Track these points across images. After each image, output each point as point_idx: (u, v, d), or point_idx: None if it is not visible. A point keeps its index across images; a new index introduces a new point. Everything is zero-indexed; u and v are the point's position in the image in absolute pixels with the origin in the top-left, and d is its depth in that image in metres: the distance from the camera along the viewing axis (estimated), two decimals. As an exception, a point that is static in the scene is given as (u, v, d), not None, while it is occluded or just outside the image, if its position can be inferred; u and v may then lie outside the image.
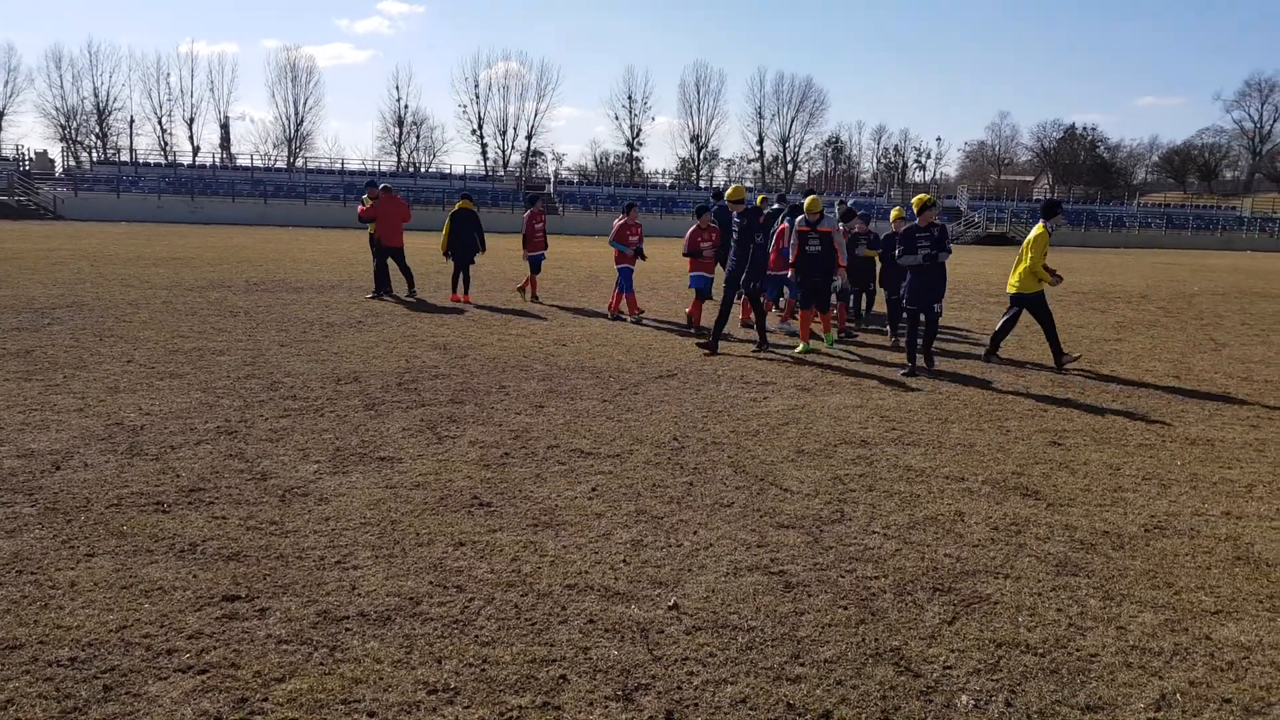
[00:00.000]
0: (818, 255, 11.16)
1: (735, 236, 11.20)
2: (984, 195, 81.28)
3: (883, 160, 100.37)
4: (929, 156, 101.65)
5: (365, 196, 16.24)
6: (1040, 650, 3.71)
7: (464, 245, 15.79)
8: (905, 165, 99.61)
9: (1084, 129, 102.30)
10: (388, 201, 15.68)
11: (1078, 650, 3.72)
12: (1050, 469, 6.37)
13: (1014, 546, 4.86)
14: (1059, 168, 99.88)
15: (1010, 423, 7.76)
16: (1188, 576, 4.54)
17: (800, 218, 11.15)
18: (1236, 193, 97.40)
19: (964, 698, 3.35)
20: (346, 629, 3.74)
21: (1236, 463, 6.74)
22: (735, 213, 12.40)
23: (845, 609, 4.05)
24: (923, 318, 10.26)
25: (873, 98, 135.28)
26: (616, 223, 14.30)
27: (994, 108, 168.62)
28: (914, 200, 10.47)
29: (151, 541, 4.57)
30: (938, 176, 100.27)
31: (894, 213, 12.86)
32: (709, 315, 13.64)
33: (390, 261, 15.94)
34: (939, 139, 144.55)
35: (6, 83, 74.13)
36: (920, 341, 10.28)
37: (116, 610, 3.81)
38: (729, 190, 11.01)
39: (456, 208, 16.10)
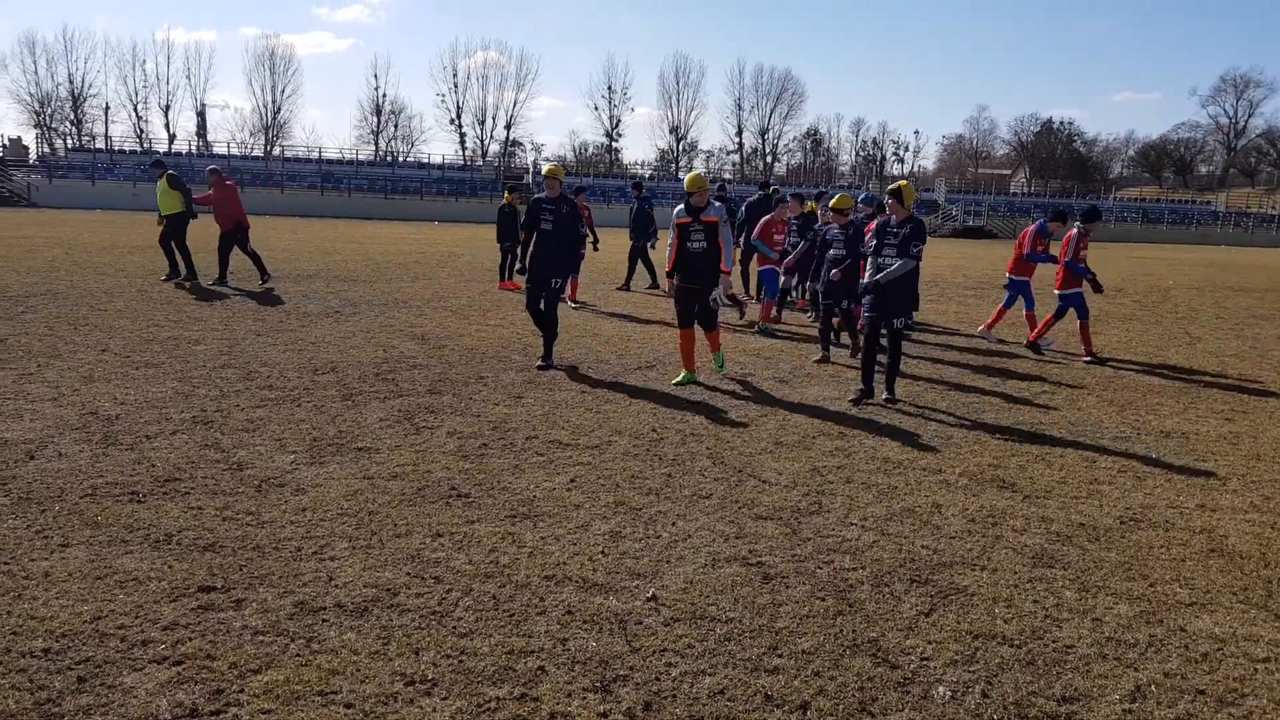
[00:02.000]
0: (701, 254, 8.50)
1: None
2: (962, 188, 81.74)
3: (861, 153, 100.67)
4: (907, 149, 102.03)
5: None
6: (1016, 642, 3.74)
7: (510, 235, 16.67)
8: (884, 158, 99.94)
9: (1061, 123, 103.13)
10: (220, 186, 15.38)
11: (1054, 642, 3.76)
12: (1026, 461, 6.42)
13: (990, 539, 4.90)
14: (1036, 161, 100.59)
15: (987, 414, 7.82)
16: (1163, 569, 4.60)
17: (679, 207, 8.54)
18: (1211, 187, 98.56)
19: (941, 689, 3.37)
20: (323, 620, 3.72)
21: (1211, 455, 6.83)
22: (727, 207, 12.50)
23: (823, 600, 4.07)
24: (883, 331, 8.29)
25: (851, 90, 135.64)
26: (1069, 234, 11.49)
27: (972, 101, 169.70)
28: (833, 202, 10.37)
29: (126, 532, 4.52)
30: (915, 169, 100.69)
31: (810, 205, 13.03)
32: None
33: (243, 248, 15.37)
34: (917, 132, 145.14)
35: (-20, 68, 72.89)
36: (873, 377, 8.23)
37: (91, 601, 3.77)
38: (687, 178, 8.50)
39: (505, 201, 16.93)
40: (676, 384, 8.59)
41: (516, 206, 16.58)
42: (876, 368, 8.31)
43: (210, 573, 4.09)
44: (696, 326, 8.77)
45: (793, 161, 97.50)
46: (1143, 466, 6.43)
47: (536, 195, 9.28)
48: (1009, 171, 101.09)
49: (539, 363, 9.22)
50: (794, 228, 13.20)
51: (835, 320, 10.51)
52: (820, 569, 4.41)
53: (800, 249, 12.67)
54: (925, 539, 4.85)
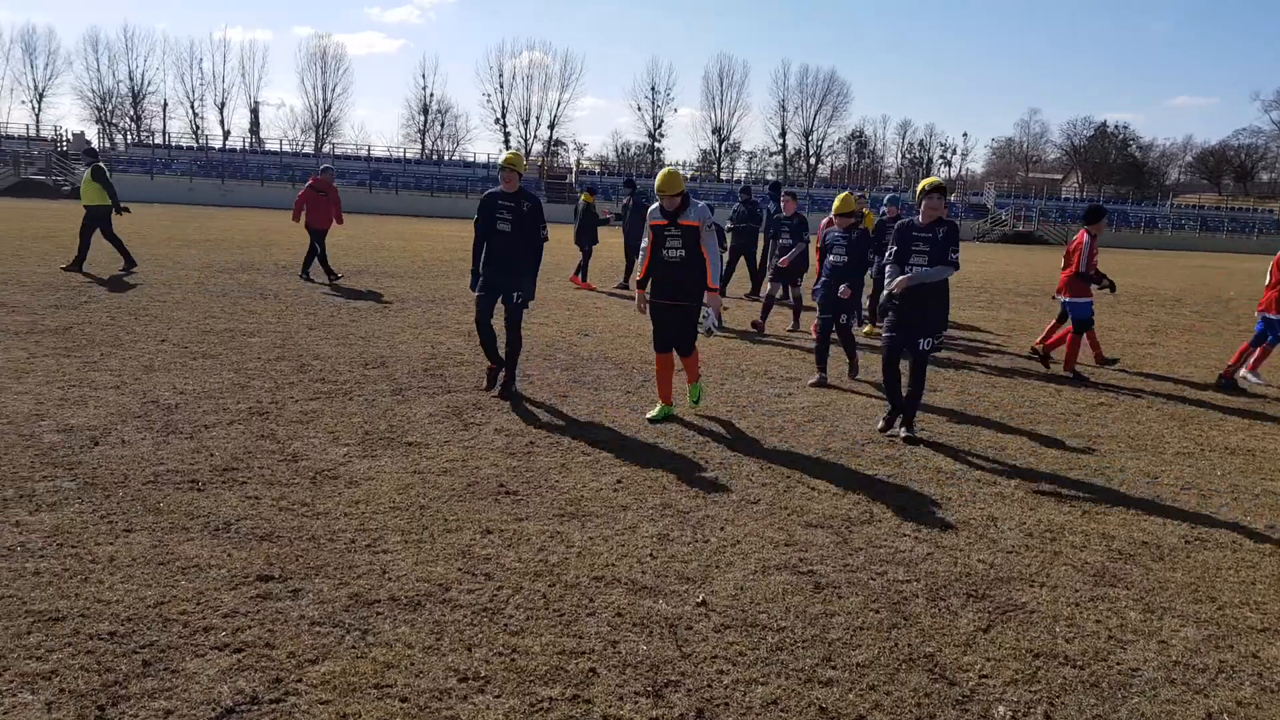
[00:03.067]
0: (679, 265, 6.99)
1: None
2: (1011, 193, 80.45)
3: (907, 155, 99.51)
4: (954, 152, 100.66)
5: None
6: (1079, 662, 3.66)
7: (588, 235, 17.04)
8: (930, 160, 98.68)
9: (1115, 127, 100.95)
10: (325, 187, 15.50)
11: (1118, 664, 3.67)
12: (1085, 475, 6.29)
13: (1049, 554, 4.80)
14: (1089, 166, 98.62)
15: (1043, 427, 7.67)
16: (1231, 591, 4.47)
17: (654, 206, 7.14)
18: (1274, 195, 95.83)
19: (1000, 708, 3.31)
20: (378, 613, 3.75)
21: (1278, 474, 6.63)
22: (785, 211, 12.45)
23: (877, 612, 4.02)
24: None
25: (898, 92, 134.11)
26: (1079, 238, 10.28)
27: (1023, 104, 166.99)
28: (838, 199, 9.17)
29: (187, 519, 4.61)
30: (964, 172, 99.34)
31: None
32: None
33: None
34: (965, 134, 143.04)
35: (46, 65, 74.99)
36: (902, 396, 7.06)
37: (154, 586, 3.85)
38: (659, 176, 6.98)
39: (581, 201, 17.36)
40: (652, 419, 7.13)
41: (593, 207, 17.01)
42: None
43: (268, 562, 4.16)
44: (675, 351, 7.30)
45: (837, 163, 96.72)
46: (1207, 484, 6.26)
47: (490, 190, 7.70)
48: (1060, 176, 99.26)
49: (493, 386, 7.86)
50: (786, 229, 12.54)
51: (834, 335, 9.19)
52: (873, 580, 4.35)
53: (794, 252, 12.18)
54: (981, 552, 4.77)
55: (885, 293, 6.93)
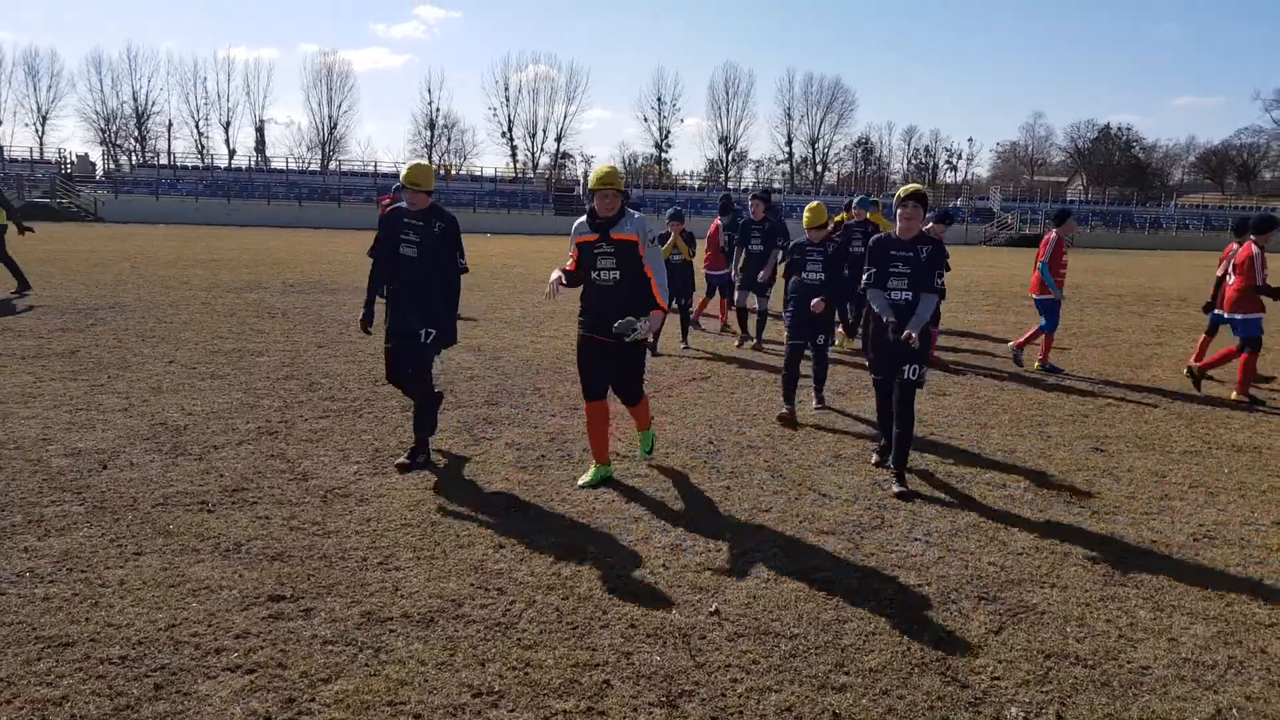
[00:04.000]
0: (611, 290, 5.66)
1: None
2: (1017, 196, 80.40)
3: (913, 161, 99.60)
4: (960, 157, 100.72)
5: None
6: (1090, 662, 3.65)
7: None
8: (936, 166, 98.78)
9: (1119, 129, 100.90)
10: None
11: (1129, 662, 3.66)
12: (1094, 476, 6.27)
13: (1059, 555, 4.79)
14: (1093, 168, 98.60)
15: (1050, 428, 7.66)
16: (1239, 588, 4.45)
17: (579, 221, 5.77)
18: (1276, 193, 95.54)
19: (1013, 709, 3.30)
20: (390, 630, 3.76)
21: (1286, 471, 6.60)
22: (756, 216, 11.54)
23: (889, 617, 4.01)
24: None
25: (903, 98, 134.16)
26: (1048, 237, 10.79)
27: (1027, 108, 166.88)
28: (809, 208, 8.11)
29: (197, 541, 4.63)
30: (969, 177, 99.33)
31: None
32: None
33: None
34: (970, 139, 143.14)
35: (49, 87, 75.46)
36: (890, 440, 6.02)
37: (165, 609, 3.86)
38: (594, 173, 5.67)
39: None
40: (585, 485, 5.75)
41: None
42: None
43: (279, 582, 4.17)
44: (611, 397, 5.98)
45: (843, 170, 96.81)
46: (1214, 482, 6.24)
47: (396, 205, 6.30)
48: (1065, 179, 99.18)
49: (401, 458, 6.10)
50: (757, 234, 11.58)
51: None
52: (884, 585, 4.34)
53: (770, 263, 11.25)
54: (992, 555, 4.76)
55: (889, 332, 5.80)
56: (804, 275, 7.95)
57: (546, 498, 5.50)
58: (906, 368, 5.73)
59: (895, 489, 5.74)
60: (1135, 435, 7.51)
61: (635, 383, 5.92)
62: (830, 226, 8.57)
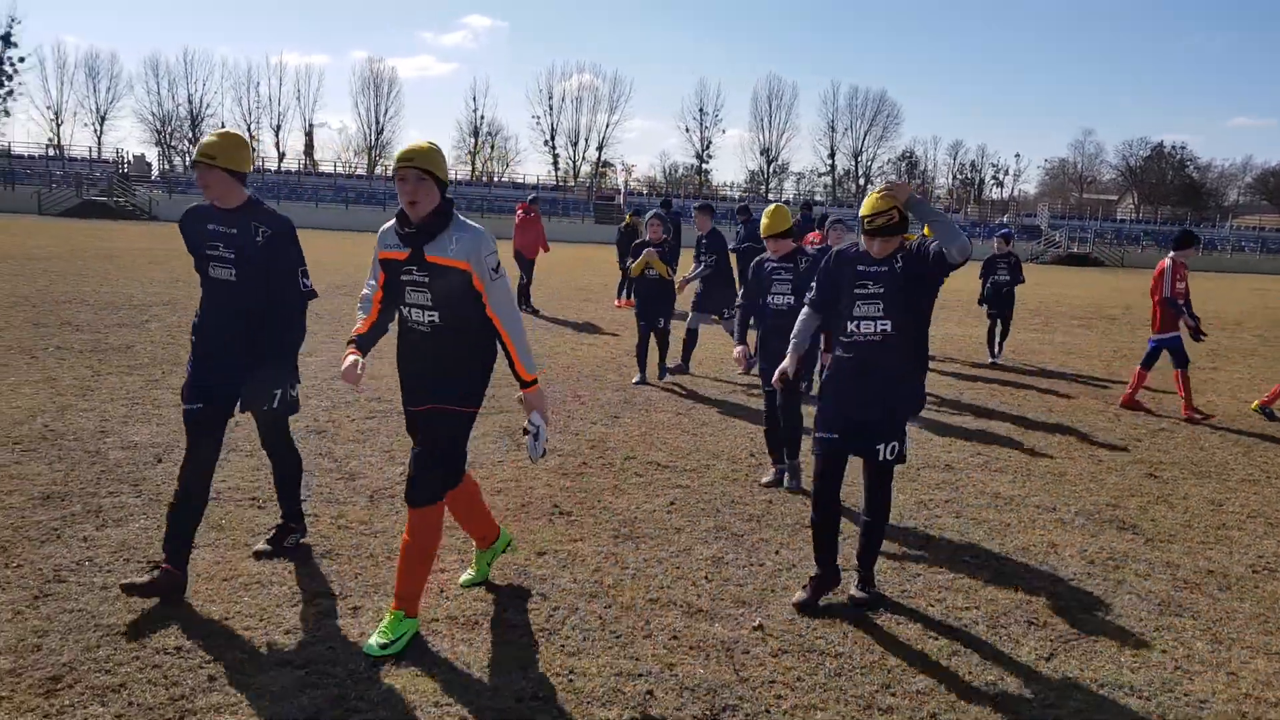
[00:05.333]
0: (429, 341, 3.88)
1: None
2: (1065, 214, 79.20)
3: (958, 176, 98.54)
4: (1006, 173, 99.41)
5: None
6: (1145, 693, 3.57)
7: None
8: (982, 182, 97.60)
9: (1172, 148, 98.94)
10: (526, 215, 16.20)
11: (1185, 695, 3.57)
12: (1147, 502, 6.14)
13: (1112, 583, 4.69)
14: (1145, 187, 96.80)
15: (1102, 452, 7.52)
16: (1300, 622, 4.33)
17: (386, 226, 3.98)
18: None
19: (1064, 737, 3.24)
20: (436, 632, 3.79)
21: (1347, 504, 6.42)
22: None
23: (936, 639, 3.96)
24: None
25: (949, 113, 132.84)
26: (1162, 265, 9.21)
27: (1077, 124, 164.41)
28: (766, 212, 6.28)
29: (249, 536, 4.70)
30: (1016, 193, 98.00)
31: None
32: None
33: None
34: (1018, 155, 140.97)
35: (108, 89, 77.23)
36: (836, 552, 4.37)
37: (218, 602, 3.93)
38: (401, 151, 3.81)
39: (626, 222, 17.22)
40: (465, 584, 4.29)
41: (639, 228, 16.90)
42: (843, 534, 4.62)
43: (328, 580, 4.22)
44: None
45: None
46: (1274, 512, 6.08)
47: (194, 205, 4.28)
48: (1115, 197, 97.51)
49: (260, 544, 4.53)
50: (702, 246, 10.29)
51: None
52: (932, 607, 4.29)
53: (693, 272, 10.28)
54: (1042, 580, 4.68)
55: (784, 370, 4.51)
56: (770, 299, 6.12)
57: (588, 505, 5.51)
58: (883, 446, 4.07)
59: (856, 592, 4.27)
60: (1190, 462, 7.34)
61: (431, 473, 3.74)
62: (808, 236, 7.94)
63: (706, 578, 4.50)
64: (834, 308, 4.31)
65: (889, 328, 4.06)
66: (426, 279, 3.74)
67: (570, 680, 3.46)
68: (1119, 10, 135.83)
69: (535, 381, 3.90)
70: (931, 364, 11.35)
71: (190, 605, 3.88)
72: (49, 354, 9.20)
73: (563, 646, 3.73)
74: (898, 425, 4.12)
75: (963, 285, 13.14)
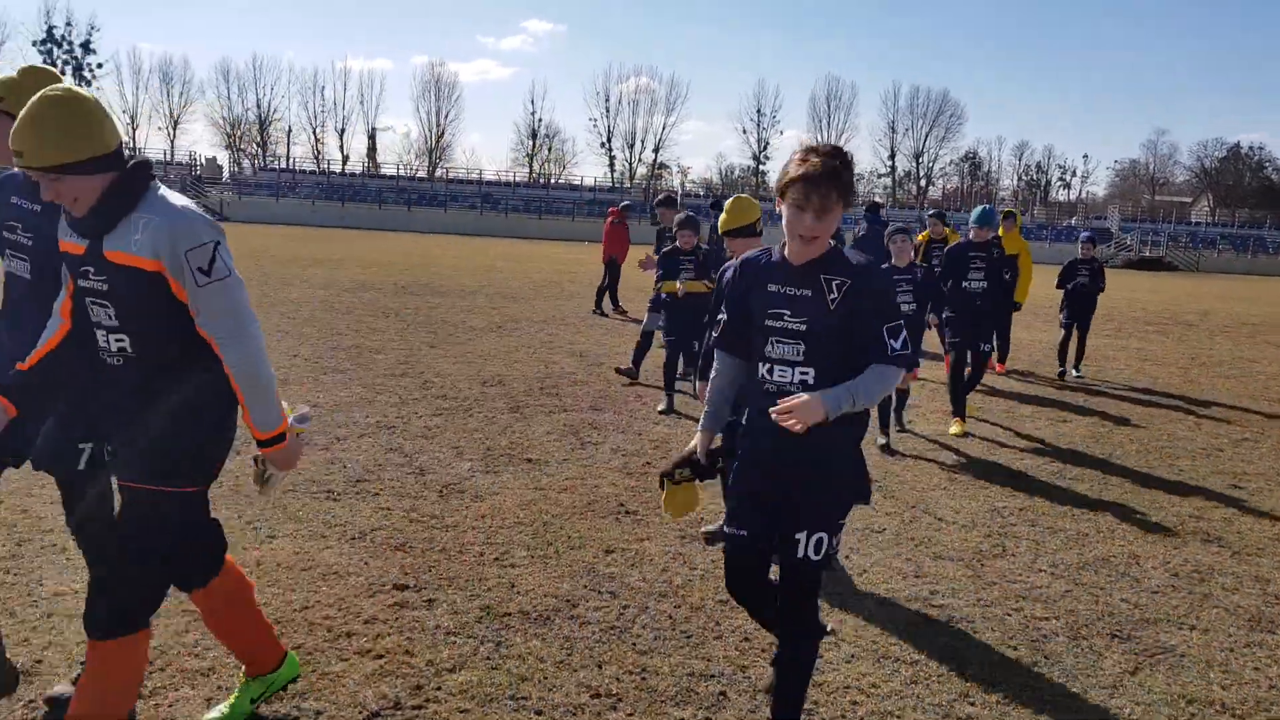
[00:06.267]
0: (118, 370, 2.73)
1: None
2: (1137, 217, 77.05)
3: (1024, 177, 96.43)
4: (1074, 174, 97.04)
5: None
6: (1238, 711, 3.45)
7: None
8: (1049, 183, 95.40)
9: (1250, 149, 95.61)
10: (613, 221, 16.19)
11: (1281, 714, 3.44)
12: (1233, 514, 5.93)
13: (1198, 596, 4.54)
14: (1221, 189, 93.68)
15: (1182, 461, 7.29)
16: (1402, 642, 4.14)
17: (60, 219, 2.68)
18: None
19: (1152, 754, 3.14)
20: (509, 626, 3.82)
21: None
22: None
23: (1015, 649, 3.87)
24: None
25: (1015, 113, 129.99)
26: None
27: (1149, 125, 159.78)
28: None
29: (325, 528, 4.80)
30: (1084, 195, 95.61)
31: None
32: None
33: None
34: (1086, 156, 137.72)
35: (181, 94, 79.48)
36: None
37: (298, 591, 4.02)
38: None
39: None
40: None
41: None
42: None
43: (403, 572, 4.28)
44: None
45: (949, 185, 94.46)
46: (1369, 528, 5.83)
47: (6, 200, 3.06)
48: (1189, 199, 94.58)
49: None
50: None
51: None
52: (1009, 616, 4.20)
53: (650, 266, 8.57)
54: (1124, 591, 4.55)
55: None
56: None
57: (653, 504, 5.51)
58: (805, 537, 2.79)
59: None
60: (1275, 472, 7.08)
61: (129, 581, 2.67)
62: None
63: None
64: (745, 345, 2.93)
65: (809, 377, 2.75)
66: (105, 285, 2.59)
67: (643, 678, 3.46)
68: (1192, 5, 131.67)
69: (280, 438, 2.82)
70: (1000, 373, 11.13)
71: (272, 594, 3.97)
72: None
73: (634, 644, 3.73)
74: (828, 512, 2.84)
75: (1037, 290, 12.75)
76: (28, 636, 3.51)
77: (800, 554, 2.80)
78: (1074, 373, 11.31)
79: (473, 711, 3.16)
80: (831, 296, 2.72)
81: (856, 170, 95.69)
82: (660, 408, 8.17)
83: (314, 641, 3.58)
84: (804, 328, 2.74)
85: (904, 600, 4.31)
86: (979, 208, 8.40)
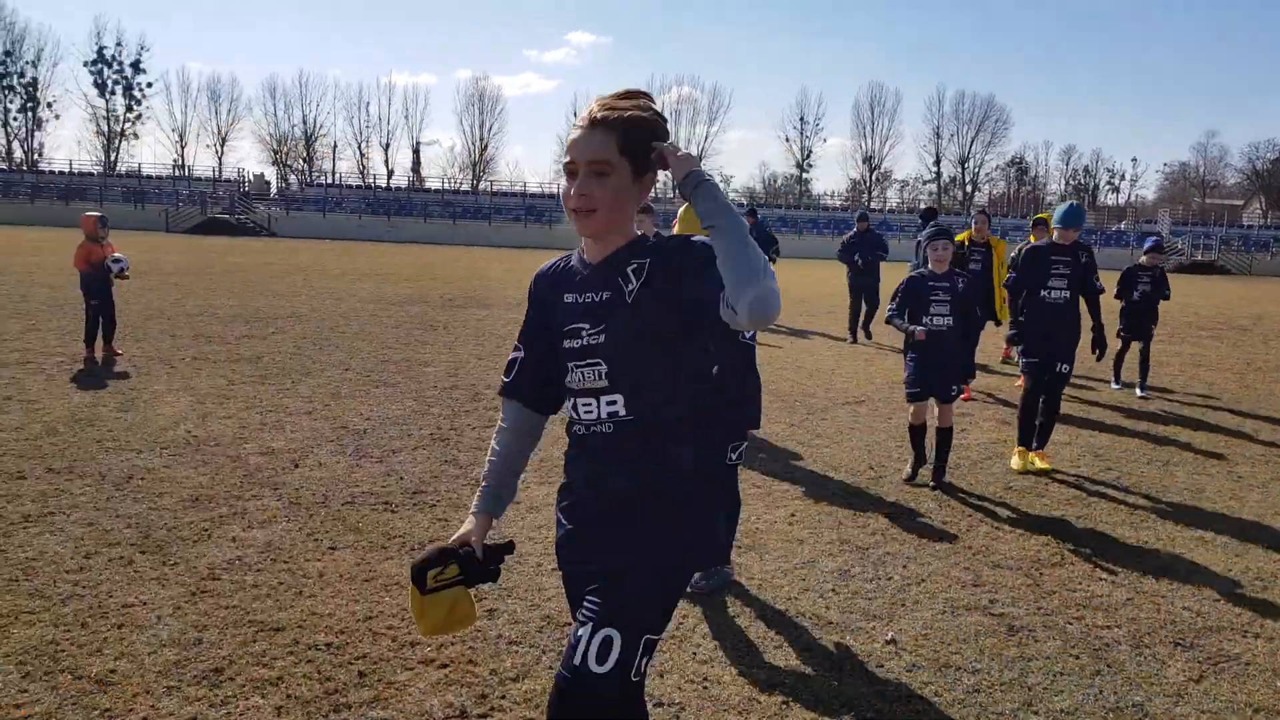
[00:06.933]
0: None
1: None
2: (1188, 220, 75.47)
3: (1071, 181, 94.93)
4: (1123, 178, 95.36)
5: None
6: (1311, 721, 3.38)
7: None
8: (1097, 187, 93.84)
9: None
10: None
11: (1357, 725, 3.37)
12: (1297, 522, 5.81)
13: (1262, 604, 4.46)
14: (1274, 191, 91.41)
15: (1241, 468, 7.14)
16: None
17: None
18: None
19: (1223, 765, 3.10)
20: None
21: None
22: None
23: (1077, 658, 3.83)
24: None
25: (1061, 117, 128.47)
26: None
27: (1200, 127, 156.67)
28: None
29: (385, 539, 4.89)
30: (1133, 199, 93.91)
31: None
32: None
33: None
34: (1134, 160, 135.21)
35: (228, 111, 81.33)
36: None
37: (362, 601, 4.10)
38: None
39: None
40: None
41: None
42: None
43: (462, 583, 4.35)
44: None
45: (995, 190, 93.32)
46: None
47: None
48: (1241, 202, 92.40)
49: None
50: None
51: None
52: (1070, 624, 4.15)
53: None
54: (1186, 599, 4.48)
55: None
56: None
57: (709, 515, 5.53)
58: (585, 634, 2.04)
59: None
60: (1341, 480, 6.91)
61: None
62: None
63: (834, 590, 4.47)
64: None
65: (620, 408, 2.11)
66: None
67: (705, 687, 3.49)
68: (1240, 3, 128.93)
69: None
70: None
71: (336, 604, 4.07)
72: (186, 364, 9.75)
73: (694, 654, 3.76)
74: (645, 592, 2.07)
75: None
76: (100, 648, 3.63)
77: (577, 661, 2.01)
78: (1138, 392, 10.38)
79: (537, 719, 3.21)
80: (629, 288, 2.07)
81: (901, 177, 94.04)
82: None
83: (379, 651, 3.65)
84: (602, 339, 2.08)
85: (963, 609, 4.29)
86: (1065, 204, 7.16)
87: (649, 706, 3.32)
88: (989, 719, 3.34)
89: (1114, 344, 10.53)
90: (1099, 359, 7.27)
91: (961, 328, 6.45)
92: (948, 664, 3.75)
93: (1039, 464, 6.83)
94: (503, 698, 3.34)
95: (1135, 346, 10.68)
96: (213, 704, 3.25)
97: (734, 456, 4.28)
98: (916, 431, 6.51)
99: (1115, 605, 4.39)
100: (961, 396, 8.53)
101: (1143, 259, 10.89)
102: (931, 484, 6.27)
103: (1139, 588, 4.62)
